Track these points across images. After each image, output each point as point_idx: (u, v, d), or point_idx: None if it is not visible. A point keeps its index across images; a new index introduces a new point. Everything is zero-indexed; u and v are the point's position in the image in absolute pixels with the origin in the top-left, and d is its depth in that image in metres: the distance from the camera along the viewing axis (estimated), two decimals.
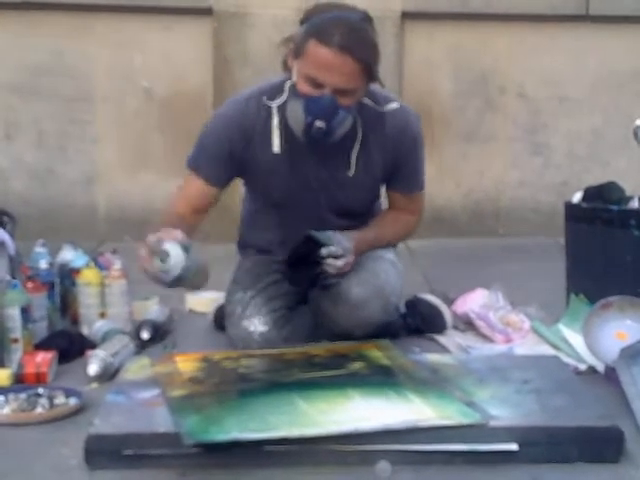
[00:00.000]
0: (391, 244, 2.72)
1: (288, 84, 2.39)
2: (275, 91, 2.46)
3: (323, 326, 2.58)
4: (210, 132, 2.54)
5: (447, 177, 4.62)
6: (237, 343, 2.57)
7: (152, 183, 4.51)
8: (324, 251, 2.36)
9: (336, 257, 2.37)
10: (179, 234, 2.14)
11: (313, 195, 2.57)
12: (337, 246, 2.38)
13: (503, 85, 4.62)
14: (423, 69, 4.56)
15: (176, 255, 2.09)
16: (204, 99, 4.39)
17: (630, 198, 2.96)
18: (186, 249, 2.11)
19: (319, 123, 2.32)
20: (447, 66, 4.58)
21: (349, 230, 2.53)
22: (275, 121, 2.44)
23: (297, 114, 2.35)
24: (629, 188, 3.04)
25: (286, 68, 2.41)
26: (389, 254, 2.65)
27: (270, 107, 2.45)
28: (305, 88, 2.32)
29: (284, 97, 2.41)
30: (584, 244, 2.95)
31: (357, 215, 2.64)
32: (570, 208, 3.03)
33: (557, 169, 4.66)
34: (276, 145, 2.46)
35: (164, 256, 2.08)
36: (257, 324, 2.55)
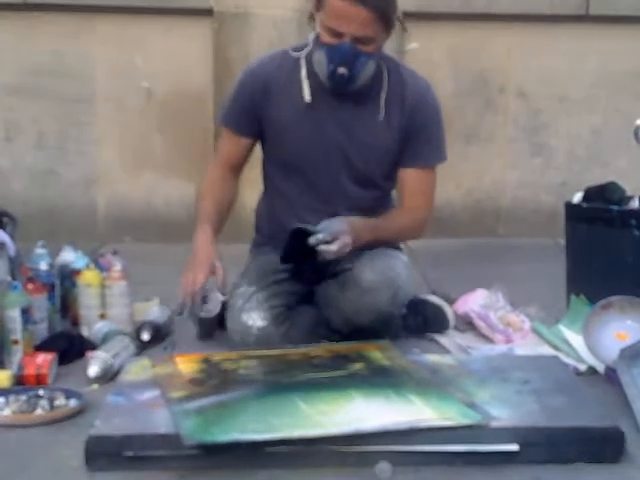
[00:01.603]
0: (399, 238, 2.74)
1: (312, 36, 2.53)
2: (301, 47, 2.61)
3: (328, 319, 2.61)
4: (236, 87, 2.70)
5: (447, 177, 4.56)
6: (235, 336, 2.59)
7: (153, 184, 4.51)
8: (312, 240, 2.38)
9: (327, 242, 2.39)
10: (219, 279, 2.49)
11: (332, 153, 2.61)
12: (325, 232, 2.40)
13: (503, 85, 4.61)
14: (423, 69, 4.49)
15: (217, 304, 2.52)
16: (205, 100, 4.39)
17: (630, 198, 2.96)
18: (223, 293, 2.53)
19: (341, 69, 2.45)
20: (447, 66, 4.57)
21: (364, 202, 2.62)
22: (303, 72, 2.58)
23: (321, 63, 2.49)
24: (629, 188, 3.04)
25: (311, 21, 2.55)
26: (403, 257, 2.69)
27: (297, 59, 2.59)
28: (326, 38, 2.45)
29: (309, 48, 2.55)
30: (584, 244, 2.95)
31: (372, 184, 2.67)
32: (570, 208, 3.03)
33: (557, 169, 4.65)
34: (307, 94, 2.57)
35: (210, 307, 2.51)
36: (256, 318, 2.56)
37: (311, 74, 2.57)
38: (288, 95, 2.61)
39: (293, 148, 2.64)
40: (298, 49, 2.61)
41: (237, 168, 2.74)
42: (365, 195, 2.66)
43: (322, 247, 2.39)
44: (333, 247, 2.39)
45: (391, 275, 2.55)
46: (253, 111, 2.65)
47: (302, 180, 2.65)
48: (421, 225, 2.75)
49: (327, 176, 2.63)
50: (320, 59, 2.49)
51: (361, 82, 2.52)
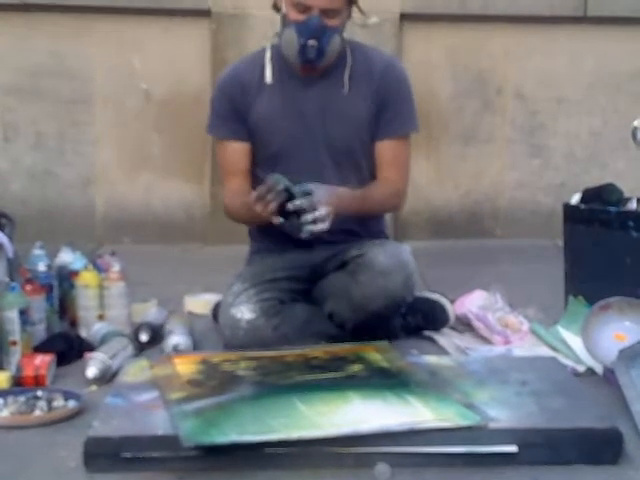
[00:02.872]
0: (380, 209, 2.78)
1: (280, 15, 2.62)
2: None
3: (332, 313, 2.62)
4: (215, 96, 2.81)
5: (445, 178, 4.62)
6: (225, 331, 2.60)
7: (151, 185, 4.51)
8: (290, 206, 2.36)
9: (305, 210, 2.38)
10: None
11: (310, 131, 2.67)
12: (305, 200, 2.37)
13: (501, 86, 4.62)
14: (421, 70, 4.55)
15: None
16: (203, 100, 4.36)
17: (628, 199, 2.96)
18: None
19: (311, 42, 2.55)
20: (445, 67, 4.58)
21: (348, 186, 2.62)
22: (268, 55, 2.69)
23: (290, 39, 2.58)
24: (627, 189, 3.04)
25: (275, 8, 2.66)
26: (408, 248, 2.69)
27: (264, 52, 2.70)
28: (294, 15, 2.56)
29: (277, 32, 2.64)
30: (583, 246, 2.95)
31: (354, 165, 2.72)
32: (568, 209, 3.03)
33: (555, 170, 4.66)
34: (268, 76, 2.68)
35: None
36: (245, 311, 2.57)
37: (277, 59, 2.68)
38: (263, 90, 2.69)
39: (276, 137, 2.70)
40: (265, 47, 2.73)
41: (245, 176, 2.75)
42: (348, 178, 2.67)
43: (304, 217, 2.37)
44: (309, 216, 2.36)
45: (403, 259, 2.59)
46: (238, 114, 2.72)
47: (286, 170, 2.65)
48: (398, 196, 2.79)
49: (310, 160, 2.66)
50: (290, 36, 2.57)
51: (329, 56, 2.60)
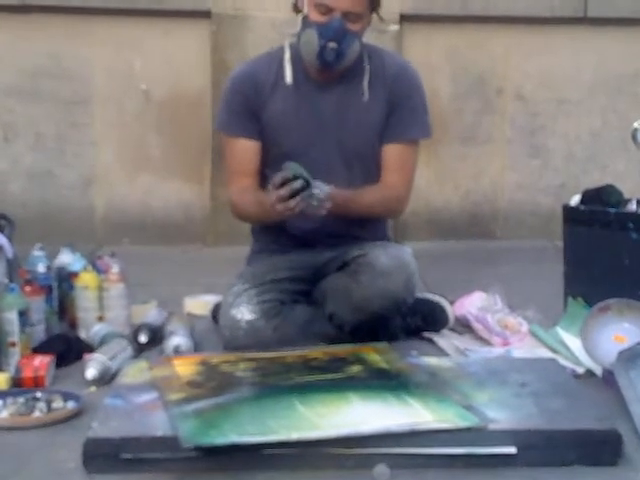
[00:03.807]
0: (372, 212, 2.72)
1: (300, 17, 2.58)
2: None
3: (332, 313, 2.61)
4: (228, 92, 2.75)
5: (445, 179, 4.62)
6: (225, 332, 2.60)
7: (151, 186, 4.51)
8: (306, 195, 2.37)
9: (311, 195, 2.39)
10: None
11: (324, 133, 2.66)
12: (321, 191, 2.40)
13: (501, 87, 4.62)
14: (421, 71, 4.45)
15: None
16: (203, 102, 4.39)
17: (628, 201, 2.96)
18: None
19: (332, 44, 2.52)
20: (445, 68, 4.58)
21: (354, 184, 2.62)
22: (287, 55, 2.66)
23: (311, 41, 2.54)
24: (627, 190, 3.04)
25: (296, 9, 2.62)
26: (409, 249, 2.70)
27: (282, 49, 2.66)
28: (316, 16, 2.53)
29: (296, 30, 2.59)
30: (582, 247, 2.95)
31: (364, 169, 2.70)
32: (568, 211, 3.02)
33: (555, 171, 4.66)
34: (288, 77, 2.65)
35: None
36: (245, 312, 2.57)
37: (296, 60, 2.65)
38: (279, 89, 2.66)
39: (288, 138, 2.67)
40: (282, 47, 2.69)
41: (254, 175, 2.70)
42: (357, 181, 2.66)
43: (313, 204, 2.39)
44: (314, 202, 2.39)
45: (405, 260, 2.60)
46: (251, 112, 2.68)
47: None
48: (399, 202, 2.76)
49: (320, 161, 2.62)
50: (310, 37, 2.54)
51: (347, 61, 2.58)
